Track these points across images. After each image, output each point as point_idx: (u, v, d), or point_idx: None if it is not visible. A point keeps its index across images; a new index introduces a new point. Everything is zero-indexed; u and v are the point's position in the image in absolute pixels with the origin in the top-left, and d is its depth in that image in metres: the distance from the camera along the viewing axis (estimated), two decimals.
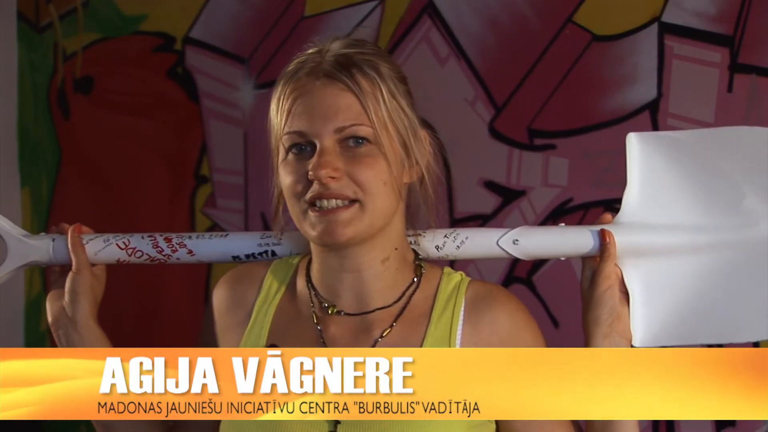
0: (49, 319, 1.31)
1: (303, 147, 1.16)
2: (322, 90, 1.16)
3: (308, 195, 1.15)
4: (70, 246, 1.30)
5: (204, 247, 1.32)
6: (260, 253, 1.32)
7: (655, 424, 2.04)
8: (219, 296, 1.28)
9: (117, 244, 1.32)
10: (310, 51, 1.20)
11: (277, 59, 2.49)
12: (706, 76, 1.94)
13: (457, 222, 2.23)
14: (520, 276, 2.17)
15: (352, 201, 1.15)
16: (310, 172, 1.14)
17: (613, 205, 2.00)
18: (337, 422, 1.12)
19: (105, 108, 2.80)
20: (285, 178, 1.18)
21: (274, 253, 1.31)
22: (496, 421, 1.18)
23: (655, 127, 1.99)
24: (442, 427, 1.12)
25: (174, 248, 1.32)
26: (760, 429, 1.92)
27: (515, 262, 2.16)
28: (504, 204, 2.19)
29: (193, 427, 1.26)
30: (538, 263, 2.13)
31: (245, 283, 1.27)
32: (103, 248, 1.32)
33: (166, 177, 2.70)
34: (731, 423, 1.94)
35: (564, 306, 2.12)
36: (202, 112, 2.63)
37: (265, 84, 2.52)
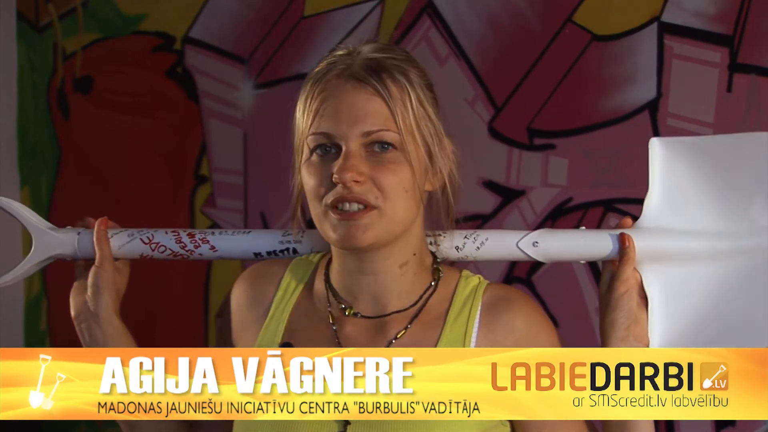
0: (72, 312, 1.31)
1: (328, 148, 1.16)
2: (352, 93, 1.15)
3: (330, 198, 1.14)
4: (95, 239, 1.30)
5: (227, 243, 1.33)
6: (281, 251, 1.32)
7: (655, 423, 2.04)
8: (238, 293, 1.29)
9: (141, 239, 1.33)
10: (340, 53, 1.19)
11: (276, 59, 2.49)
12: (706, 76, 1.94)
13: (456, 222, 2.22)
14: (519, 276, 2.17)
15: (372, 207, 1.14)
16: (335, 175, 1.13)
17: (612, 205, 2.00)
18: (347, 422, 1.12)
19: (104, 108, 2.79)
20: (308, 178, 1.17)
21: (295, 251, 1.32)
22: (511, 422, 1.18)
23: (655, 127, 1.99)
24: (450, 428, 1.11)
25: (197, 244, 1.33)
26: (760, 429, 1.92)
27: (515, 261, 2.16)
28: (503, 204, 2.18)
29: (215, 426, 1.27)
30: (537, 263, 2.13)
31: (265, 280, 1.28)
32: (127, 242, 1.33)
33: (166, 177, 2.70)
34: (731, 423, 1.94)
35: (564, 306, 2.11)
36: (201, 111, 2.62)
37: (265, 84, 2.52)
